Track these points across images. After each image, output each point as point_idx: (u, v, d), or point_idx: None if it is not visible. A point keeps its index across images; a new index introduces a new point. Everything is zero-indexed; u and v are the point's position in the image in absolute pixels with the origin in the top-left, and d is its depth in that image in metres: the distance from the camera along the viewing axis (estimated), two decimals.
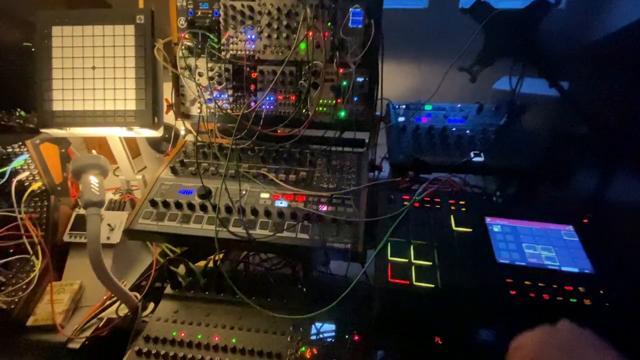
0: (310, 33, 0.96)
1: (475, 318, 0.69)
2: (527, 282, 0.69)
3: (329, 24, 0.96)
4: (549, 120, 1.18)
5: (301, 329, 0.86)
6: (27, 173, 1.00)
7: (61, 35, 1.00)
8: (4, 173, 0.99)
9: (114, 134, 1.07)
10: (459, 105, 1.21)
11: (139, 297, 0.96)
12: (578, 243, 0.77)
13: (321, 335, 0.85)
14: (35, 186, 1.00)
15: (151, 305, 0.97)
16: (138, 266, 1.12)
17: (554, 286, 0.69)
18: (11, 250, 0.94)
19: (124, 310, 0.94)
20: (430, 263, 0.73)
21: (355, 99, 1.02)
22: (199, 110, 1.04)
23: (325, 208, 0.89)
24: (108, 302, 0.97)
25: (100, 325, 0.91)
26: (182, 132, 1.17)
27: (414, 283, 0.70)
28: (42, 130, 1.00)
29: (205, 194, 0.92)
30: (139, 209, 0.91)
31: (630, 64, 0.83)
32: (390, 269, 0.72)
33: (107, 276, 0.83)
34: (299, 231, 0.85)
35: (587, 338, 0.49)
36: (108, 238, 1.04)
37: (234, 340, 0.83)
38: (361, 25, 0.95)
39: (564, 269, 0.72)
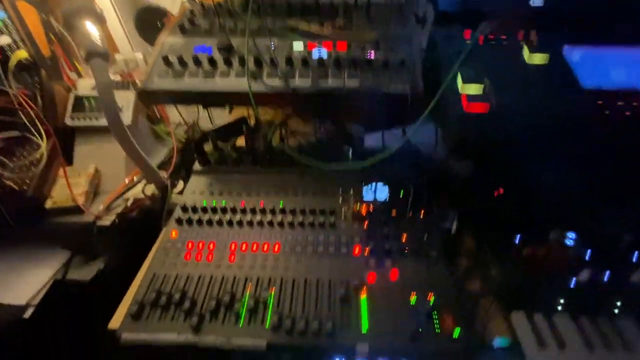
0: None
1: (563, 143, 0.61)
2: (619, 103, 0.61)
3: None
4: None
5: (351, 191, 0.79)
6: (7, 38, 0.82)
7: None
8: None
9: None
10: None
11: (166, 175, 0.86)
12: None
13: (374, 193, 0.79)
14: (20, 55, 0.83)
15: (180, 184, 0.88)
16: (153, 155, 1.01)
17: None
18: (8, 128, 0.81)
19: (150, 191, 0.85)
20: (509, 92, 0.64)
21: None
22: None
23: (372, 54, 0.76)
24: (131, 185, 0.87)
25: (128, 205, 0.83)
26: None
27: (494, 110, 0.61)
28: None
29: (228, 47, 0.77)
30: (150, 69, 0.77)
31: None
32: (465, 99, 0.63)
33: (128, 141, 0.72)
34: (347, 78, 0.73)
35: None
36: None
37: (281, 204, 0.77)
38: None
39: None
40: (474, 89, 0.64)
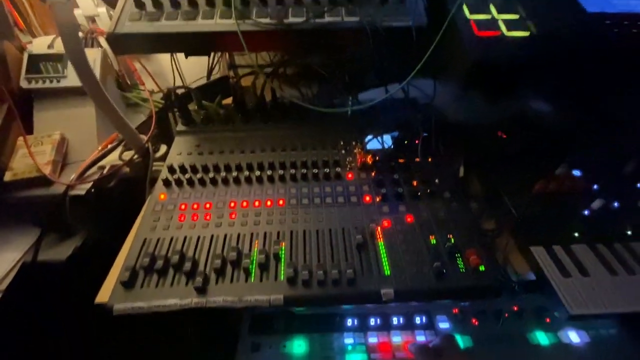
0: None
1: (573, 67, 0.59)
2: (625, 22, 0.60)
3: None
4: None
5: (354, 142, 0.75)
6: None
7: None
8: None
9: None
10: None
11: (145, 138, 0.77)
12: None
13: (379, 142, 0.74)
14: None
15: (163, 148, 0.79)
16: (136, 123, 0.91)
17: None
18: None
19: (129, 157, 0.76)
20: (517, 16, 0.61)
21: None
22: None
23: None
24: (106, 151, 0.77)
25: (104, 172, 0.73)
26: None
27: (506, 33, 0.58)
28: None
29: None
30: (120, 11, 0.67)
31: None
32: (475, 25, 0.59)
33: (102, 94, 0.63)
34: (345, 14, 0.67)
35: None
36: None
37: (280, 160, 0.70)
38: None
39: None
40: (483, 18, 0.60)
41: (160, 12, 0.67)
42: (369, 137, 0.75)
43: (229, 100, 0.90)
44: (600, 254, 0.58)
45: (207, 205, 0.62)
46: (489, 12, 0.61)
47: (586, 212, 0.62)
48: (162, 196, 0.64)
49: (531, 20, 0.60)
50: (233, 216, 0.61)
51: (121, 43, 0.66)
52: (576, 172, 0.69)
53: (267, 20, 0.66)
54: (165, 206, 0.62)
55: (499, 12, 0.61)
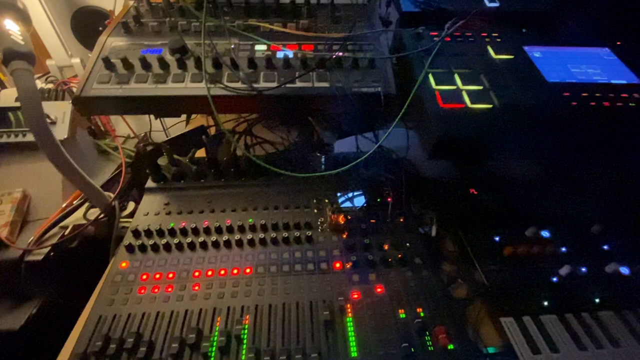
0: None
1: (535, 136, 0.61)
2: (583, 94, 0.63)
3: None
4: None
5: (326, 200, 0.74)
6: None
7: None
8: None
9: None
10: None
11: (112, 196, 0.75)
12: (618, 61, 0.71)
13: (350, 201, 0.74)
14: None
15: (130, 206, 0.77)
16: (96, 174, 0.88)
17: (610, 95, 0.63)
18: None
19: (94, 215, 0.73)
20: (481, 87, 0.63)
21: None
22: None
23: (340, 54, 0.72)
24: (69, 209, 0.74)
25: (65, 233, 0.70)
26: None
27: (470, 105, 0.59)
28: None
29: (182, 47, 0.69)
30: (89, 73, 0.66)
31: None
32: (440, 96, 0.60)
33: (61, 156, 0.61)
34: (315, 80, 0.68)
35: None
36: None
37: (250, 220, 0.69)
38: None
39: (613, 81, 0.66)
40: (448, 89, 0.62)
41: (131, 74, 0.66)
42: (341, 196, 0.75)
43: (203, 152, 0.90)
44: (569, 327, 0.57)
45: (170, 275, 0.60)
46: (454, 82, 0.63)
47: (555, 279, 0.62)
48: (124, 264, 0.61)
49: (494, 91, 0.62)
50: (196, 287, 0.58)
51: (87, 106, 0.65)
52: (545, 233, 0.69)
53: (238, 85, 0.66)
54: (126, 276, 0.60)
55: (464, 83, 0.63)
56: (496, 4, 0.91)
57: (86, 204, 0.75)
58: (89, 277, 0.66)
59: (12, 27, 0.59)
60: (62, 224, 0.72)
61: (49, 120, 0.78)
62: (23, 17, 0.61)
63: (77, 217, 0.73)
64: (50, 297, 0.70)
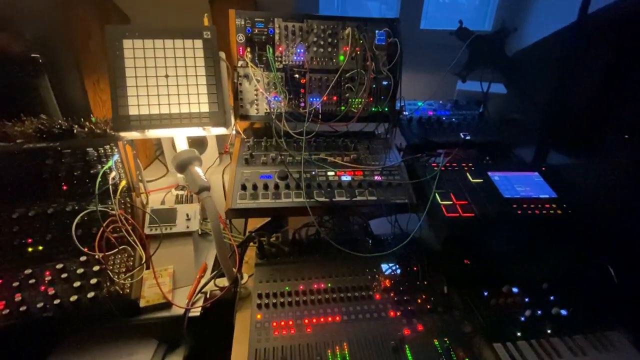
0: (347, 48, 1.26)
1: (498, 233, 1.05)
2: (524, 205, 1.09)
3: (361, 41, 1.27)
4: (500, 110, 1.67)
5: (374, 269, 1.13)
6: (114, 172, 1.08)
7: (132, 48, 1.12)
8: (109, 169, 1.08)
9: (186, 134, 1.20)
10: (440, 102, 1.62)
11: (234, 270, 1.11)
12: (543, 181, 1.21)
13: (391, 270, 1.13)
14: (122, 184, 1.08)
15: (245, 276, 1.13)
16: (208, 252, 1.25)
17: (539, 205, 1.10)
18: (112, 242, 1.02)
19: (221, 283, 1.09)
20: (467, 202, 1.09)
21: (382, 97, 1.34)
22: (256, 111, 1.25)
23: (379, 178, 1.19)
24: (208, 280, 1.10)
25: (207, 297, 1.05)
26: (234, 133, 1.34)
27: (462, 215, 1.04)
28: (121, 133, 1.10)
29: (285, 176, 1.14)
30: (232, 193, 1.08)
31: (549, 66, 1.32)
32: (444, 209, 1.05)
33: (223, 247, 0.99)
34: (368, 195, 1.13)
35: None
36: (187, 227, 1.17)
37: (329, 285, 1.07)
38: (384, 43, 1.29)
39: (541, 196, 1.14)
40: (447, 204, 1.08)
41: (256, 192, 1.09)
42: (386, 266, 1.14)
43: None
44: (535, 349, 0.95)
45: (290, 322, 0.95)
46: (450, 199, 1.09)
47: (522, 319, 1.01)
48: (259, 316, 0.96)
49: (474, 204, 1.08)
50: (309, 330, 0.94)
51: (235, 213, 1.06)
52: (514, 289, 1.10)
53: (323, 199, 1.10)
54: (263, 324, 0.94)
55: (456, 199, 1.09)
56: (468, 137, 1.44)
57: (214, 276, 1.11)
58: (217, 329, 1.00)
59: (199, 170, 1.02)
60: (203, 289, 1.06)
61: (186, 217, 1.18)
62: (201, 163, 1.04)
63: (209, 286, 1.09)
64: (195, 344, 1.01)
